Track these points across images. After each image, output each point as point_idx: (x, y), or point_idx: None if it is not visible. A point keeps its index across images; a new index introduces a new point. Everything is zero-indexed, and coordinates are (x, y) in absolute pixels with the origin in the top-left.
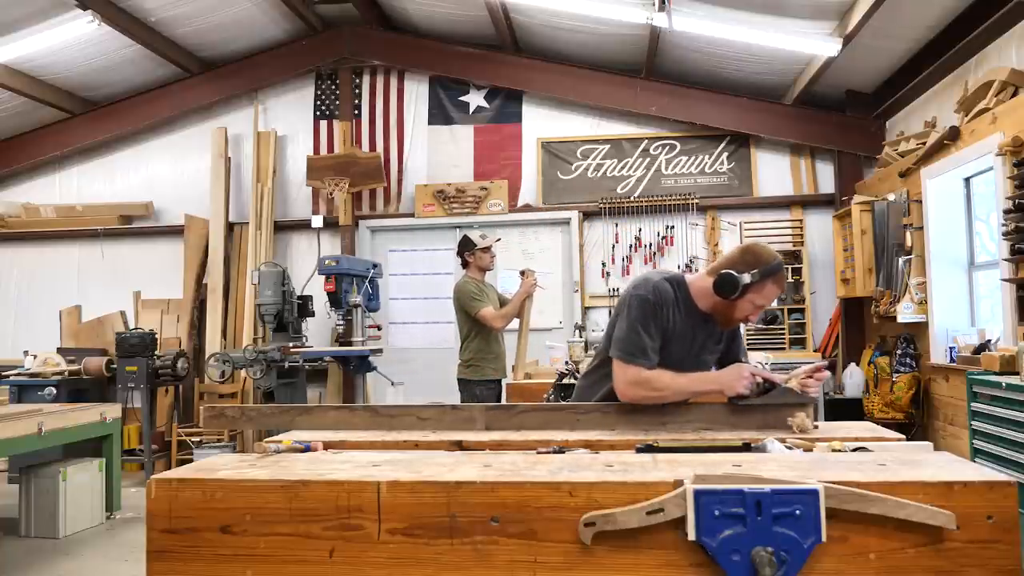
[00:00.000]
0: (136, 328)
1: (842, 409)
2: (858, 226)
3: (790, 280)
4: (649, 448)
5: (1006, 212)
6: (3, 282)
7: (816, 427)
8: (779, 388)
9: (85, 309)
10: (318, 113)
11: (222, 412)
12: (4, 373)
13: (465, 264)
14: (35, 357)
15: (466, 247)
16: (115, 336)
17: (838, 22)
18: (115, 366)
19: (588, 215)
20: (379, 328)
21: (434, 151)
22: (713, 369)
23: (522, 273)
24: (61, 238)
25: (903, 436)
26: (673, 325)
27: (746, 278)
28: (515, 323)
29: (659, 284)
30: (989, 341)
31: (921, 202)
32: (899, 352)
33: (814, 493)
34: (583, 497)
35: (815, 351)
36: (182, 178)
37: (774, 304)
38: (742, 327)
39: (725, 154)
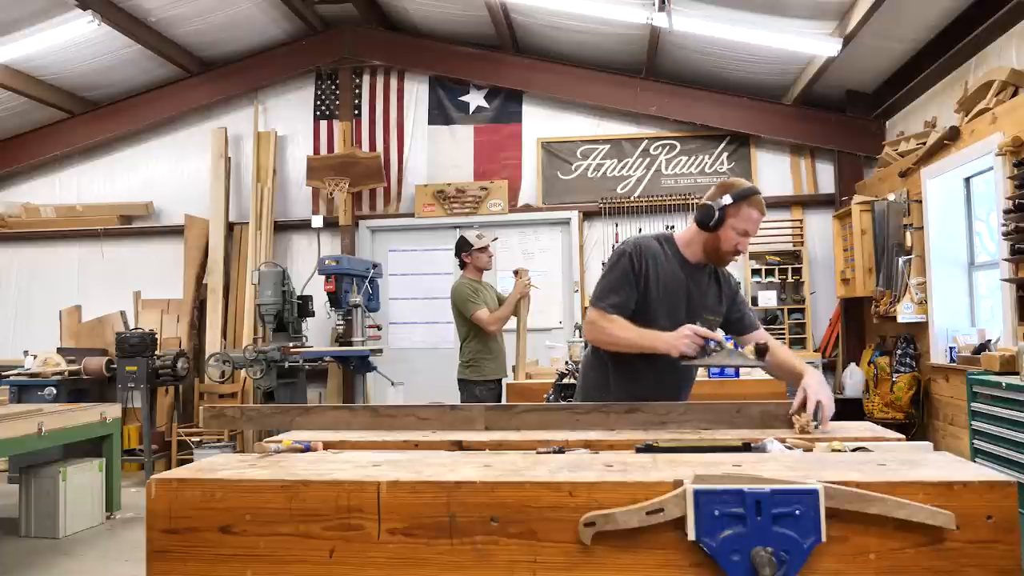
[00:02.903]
0: (136, 328)
1: (842, 409)
2: (858, 226)
3: (790, 280)
4: (649, 448)
5: (1006, 212)
6: (3, 282)
7: (816, 427)
8: (725, 350)
9: (85, 309)
10: (318, 113)
11: (222, 412)
12: (4, 373)
13: (463, 265)
14: (35, 357)
15: (463, 248)
16: (115, 336)
17: (838, 22)
18: (115, 366)
19: (588, 215)
20: (379, 328)
21: (434, 151)
22: (724, 336)
23: (516, 273)
24: (61, 238)
25: (903, 436)
26: (657, 275)
27: (721, 203)
28: (513, 323)
29: (641, 239)
30: (989, 341)
31: (921, 202)
32: (899, 352)
33: (814, 493)
34: (583, 497)
35: (815, 351)
36: (182, 178)
37: (773, 303)
38: (742, 292)
39: (725, 154)
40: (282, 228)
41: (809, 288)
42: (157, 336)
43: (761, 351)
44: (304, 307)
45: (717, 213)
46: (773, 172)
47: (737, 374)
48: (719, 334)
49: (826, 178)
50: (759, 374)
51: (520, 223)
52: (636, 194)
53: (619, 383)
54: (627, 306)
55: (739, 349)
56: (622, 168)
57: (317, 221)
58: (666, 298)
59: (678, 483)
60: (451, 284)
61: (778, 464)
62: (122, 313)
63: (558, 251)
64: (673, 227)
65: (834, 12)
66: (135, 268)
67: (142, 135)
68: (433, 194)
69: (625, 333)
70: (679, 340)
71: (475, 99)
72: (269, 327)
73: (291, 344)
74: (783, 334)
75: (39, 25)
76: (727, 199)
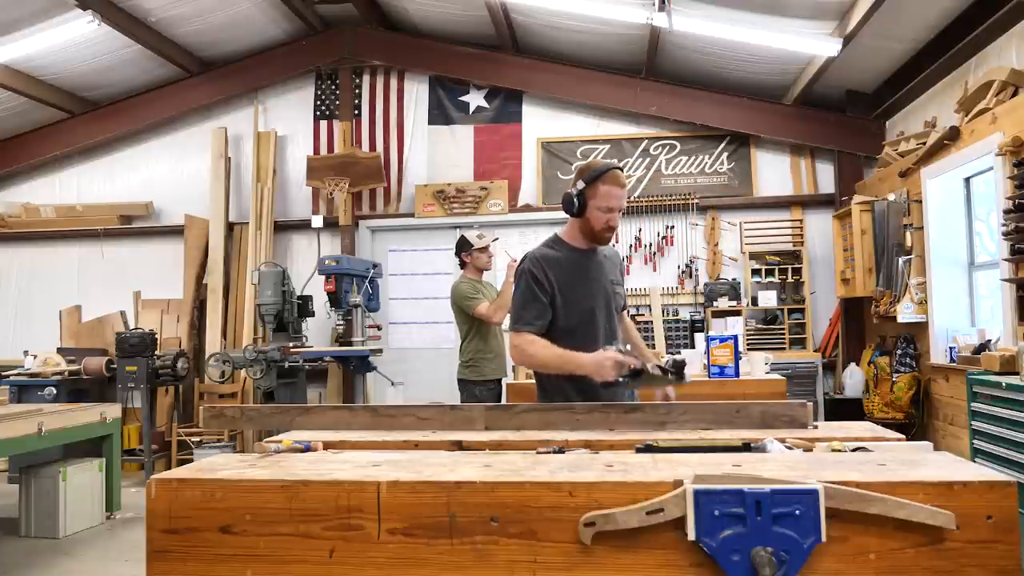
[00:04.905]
0: (136, 328)
1: (842, 409)
2: (858, 226)
3: (790, 280)
4: (649, 448)
5: (1006, 212)
6: (3, 282)
7: (816, 427)
8: (645, 374)
9: (85, 309)
10: (318, 113)
11: (222, 412)
12: (4, 373)
13: (463, 264)
14: (35, 357)
15: (463, 247)
16: (115, 336)
17: (838, 22)
18: (115, 366)
19: None
20: (379, 328)
21: (434, 151)
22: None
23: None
24: (61, 238)
25: (903, 436)
26: (562, 276)
27: (578, 188)
28: None
29: (535, 252)
30: (989, 341)
31: (921, 202)
32: (899, 352)
33: (814, 493)
34: (583, 497)
35: (815, 351)
36: (182, 178)
37: (773, 303)
38: (626, 282)
39: (725, 154)
40: (282, 228)
41: (809, 288)
42: (157, 336)
43: (679, 366)
44: (304, 307)
45: (577, 200)
46: (773, 172)
47: (737, 374)
48: (636, 360)
49: (826, 178)
50: (759, 374)
51: (520, 223)
52: (636, 194)
53: (553, 388)
54: (543, 319)
55: (656, 371)
56: (622, 168)
57: (317, 221)
58: (579, 291)
59: (678, 483)
60: (451, 284)
61: (778, 464)
62: (122, 313)
63: None
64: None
65: (834, 12)
66: (135, 268)
67: (142, 135)
68: (433, 194)
69: (547, 354)
70: (604, 369)
71: (475, 99)
72: (269, 327)
73: (291, 344)
74: (783, 334)
75: (39, 25)
76: (581, 184)
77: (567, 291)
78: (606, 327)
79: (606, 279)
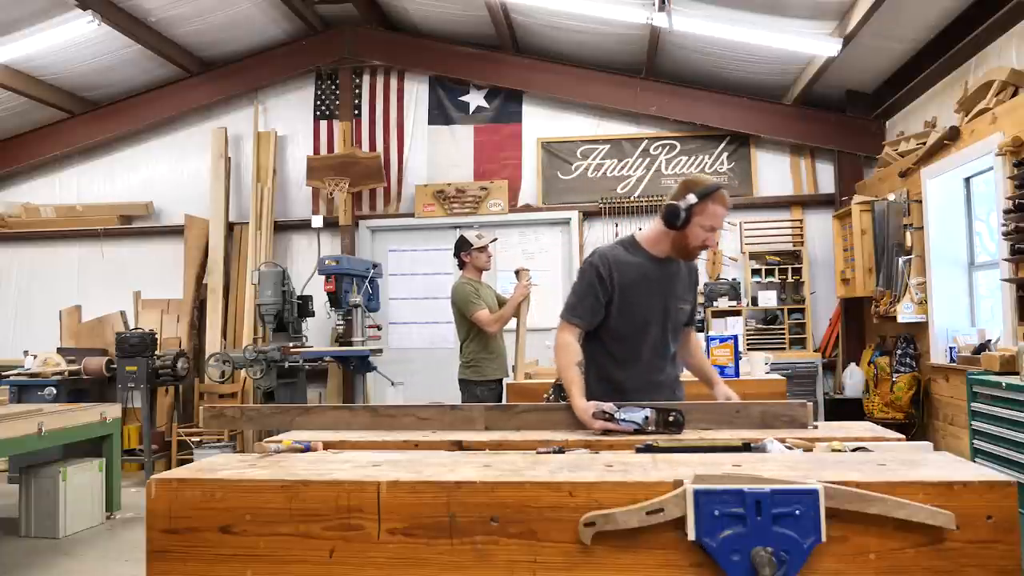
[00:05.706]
0: (136, 328)
1: (842, 409)
2: (858, 226)
3: (790, 280)
4: (649, 448)
5: (1006, 212)
6: (3, 282)
7: (816, 427)
8: (639, 431)
9: (85, 309)
10: (318, 113)
11: (222, 412)
12: (4, 373)
13: (462, 265)
14: (35, 357)
15: (462, 247)
16: (115, 336)
17: (838, 22)
18: (115, 366)
19: (588, 215)
20: (379, 328)
21: (434, 151)
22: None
23: (517, 273)
24: (61, 238)
25: (903, 436)
26: (627, 279)
27: (687, 202)
28: (513, 323)
29: (606, 250)
30: (989, 341)
31: (921, 202)
32: (899, 352)
33: (814, 493)
34: (583, 497)
35: (815, 351)
36: (182, 178)
37: (773, 303)
38: (699, 286)
39: (725, 154)
40: (282, 228)
41: (809, 288)
42: (157, 336)
43: (677, 424)
44: (304, 307)
45: (683, 213)
46: (773, 172)
47: (737, 374)
48: (623, 427)
49: (826, 178)
50: (759, 374)
51: (520, 223)
52: (636, 194)
53: (596, 382)
54: (594, 317)
55: (643, 427)
56: (622, 168)
57: (317, 221)
58: (639, 301)
59: (678, 483)
60: (451, 284)
61: (778, 464)
62: (122, 313)
63: (558, 251)
64: (641, 228)
65: (834, 12)
66: (135, 268)
67: (142, 135)
68: (433, 194)
69: (563, 368)
70: (588, 425)
71: (475, 99)
72: (269, 327)
73: (291, 344)
74: (783, 334)
75: (39, 25)
76: (692, 198)
77: (628, 296)
78: (657, 341)
79: (671, 294)
